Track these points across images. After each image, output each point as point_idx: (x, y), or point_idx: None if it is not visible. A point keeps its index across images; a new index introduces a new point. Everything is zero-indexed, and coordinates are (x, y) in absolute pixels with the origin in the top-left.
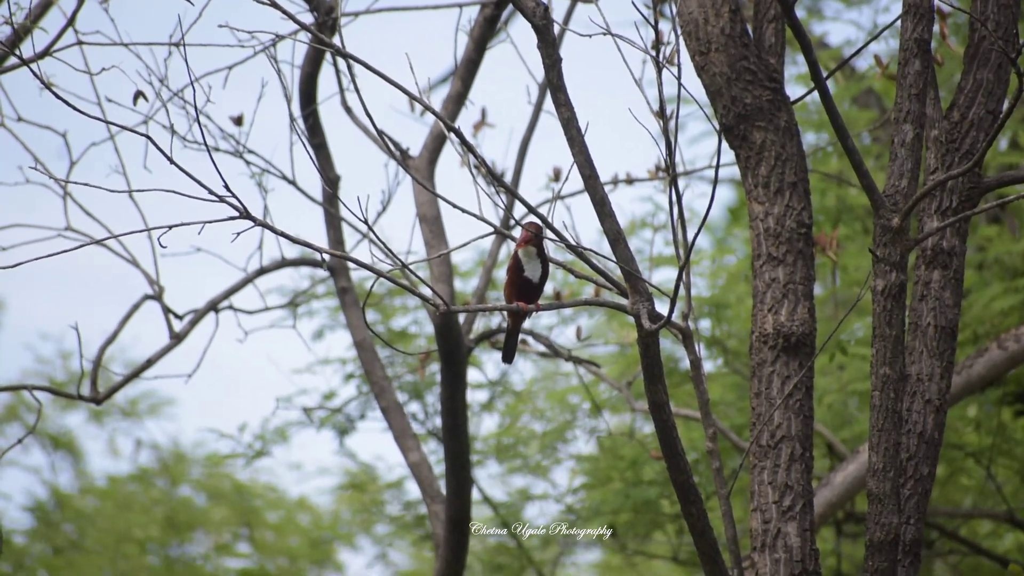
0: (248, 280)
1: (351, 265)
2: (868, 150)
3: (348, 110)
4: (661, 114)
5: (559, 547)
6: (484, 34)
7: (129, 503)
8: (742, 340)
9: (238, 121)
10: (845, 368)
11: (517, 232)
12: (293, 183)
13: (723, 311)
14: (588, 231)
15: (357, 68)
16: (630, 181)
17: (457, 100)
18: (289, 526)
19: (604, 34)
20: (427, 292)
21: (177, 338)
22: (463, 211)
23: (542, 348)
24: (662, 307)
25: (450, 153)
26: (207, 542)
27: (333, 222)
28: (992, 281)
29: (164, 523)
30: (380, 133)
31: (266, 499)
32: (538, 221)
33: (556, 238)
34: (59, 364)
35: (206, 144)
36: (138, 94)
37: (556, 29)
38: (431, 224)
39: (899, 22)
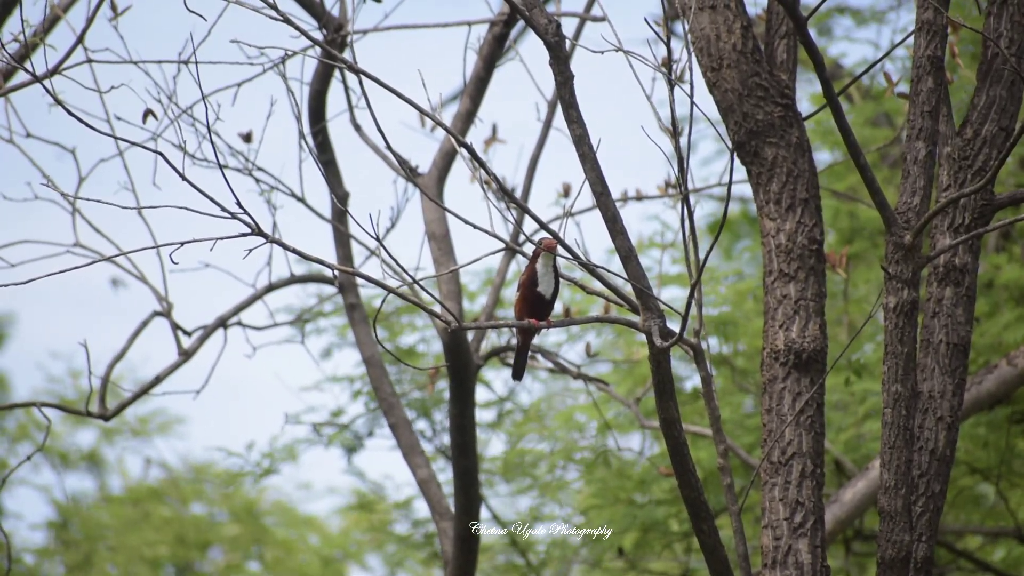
0: (257, 296)
1: (360, 282)
2: (879, 169)
3: (357, 127)
4: (673, 131)
5: (566, 565)
6: (493, 52)
7: (139, 521)
8: (750, 358)
9: (247, 138)
10: (856, 396)
11: (527, 248)
12: (302, 200)
13: (731, 328)
14: (596, 249)
15: (365, 86)
16: (640, 198)
17: (466, 118)
18: (299, 545)
19: (616, 51)
20: (437, 309)
21: (186, 355)
22: (474, 227)
23: (551, 365)
24: (673, 325)
25: (459, 172)
26: (217, 561)
27: (342, 239)
28: (1004, 307)
29: (174, 542)
30: (390, 150)
31: (277, 518)
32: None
33: (568, 255)
34: (70, 383)
35: (217, 161)
36: (147, 113)
37: (567, 46)
38: (440, 242)
39: (911, 39)
